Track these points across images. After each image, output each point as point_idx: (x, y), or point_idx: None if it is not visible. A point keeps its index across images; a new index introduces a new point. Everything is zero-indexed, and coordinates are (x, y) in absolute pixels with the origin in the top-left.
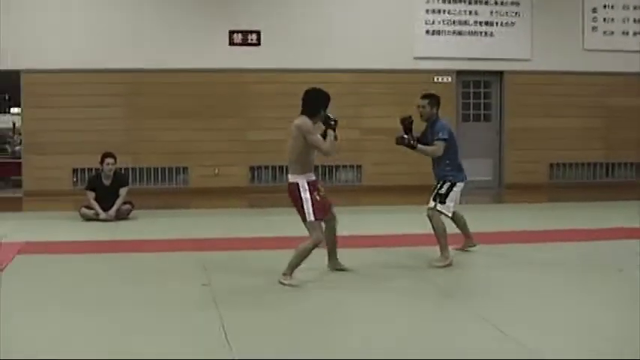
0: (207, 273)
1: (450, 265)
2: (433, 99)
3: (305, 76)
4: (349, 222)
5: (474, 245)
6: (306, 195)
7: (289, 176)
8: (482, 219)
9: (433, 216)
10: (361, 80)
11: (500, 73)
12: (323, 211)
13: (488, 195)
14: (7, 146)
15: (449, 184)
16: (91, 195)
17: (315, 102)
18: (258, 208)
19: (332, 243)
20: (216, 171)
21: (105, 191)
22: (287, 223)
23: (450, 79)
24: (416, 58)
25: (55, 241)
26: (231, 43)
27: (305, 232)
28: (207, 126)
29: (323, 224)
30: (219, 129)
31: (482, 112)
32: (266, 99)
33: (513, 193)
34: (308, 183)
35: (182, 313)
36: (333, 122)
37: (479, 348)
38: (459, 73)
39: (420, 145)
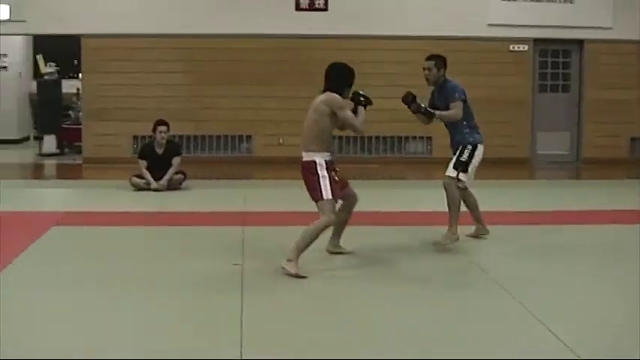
0: (244, 250)
1: (457, 240)
2: (440, 60)
3: (373, 42)
4: (415, 197)
5: (487, 232)
6: (323, 172)
7: (304, 154)
8: (557, 195)
9: (450, 185)
10: (432, 48)
11: (580, 42)
12: (338, 191)
13: (565, 170)
14: (71, 112)
15: (470, 147)
16: (143, 164)
17: (341, 78)
18: None
19: (343, 223)
20: (281, 140)
21: (157, 160)
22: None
23: (526, 47)
24: (490, 25)
25: (96, 212)
26: (298, 8)
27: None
28: (272, 93)
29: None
30: (284, 97)
31: (560, 82)
32: None
33: (591, 169)
34: (326, 162)
35: (201, 295)
36: (364, 99)
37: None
38: (537, 41)
39: (438, 112)
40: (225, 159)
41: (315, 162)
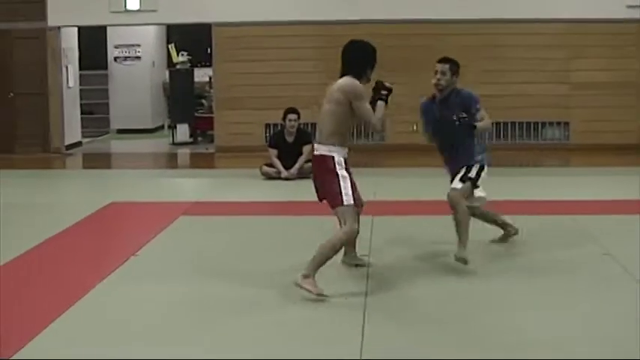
0: (372, 241)
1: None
2: (454, 64)
3: (509, 27)
4: (549, 184)
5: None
6: (343, 172)
7: (319, 147)
8: None
9: (460, 203)
10: (569, 31)
11: None
12: (357, 195)
13: None
14: (204, 101)
15: (478, 166)
16: (273, 152)
17: (361, 60)
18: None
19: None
20: (415, 127)
21: (287, 148)
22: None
23: None
24: (629, 7)
25: (224, 202)
26: None
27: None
28: (404, 80)
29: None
30: (417, 83)
31: None
32: (469, 51)
33: None
34: (345, 160)
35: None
36: (385, 92)
37: None
38: None
39: (479, 124)
40: (357, 147)
41: (332, 158)
